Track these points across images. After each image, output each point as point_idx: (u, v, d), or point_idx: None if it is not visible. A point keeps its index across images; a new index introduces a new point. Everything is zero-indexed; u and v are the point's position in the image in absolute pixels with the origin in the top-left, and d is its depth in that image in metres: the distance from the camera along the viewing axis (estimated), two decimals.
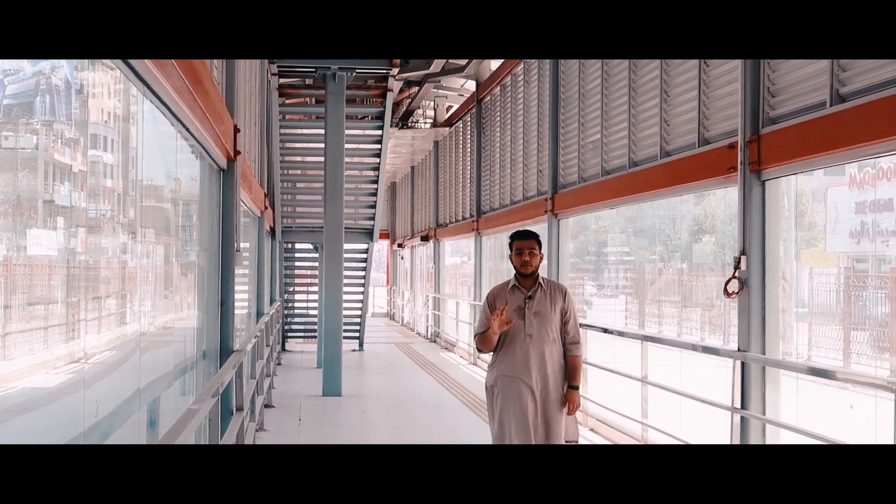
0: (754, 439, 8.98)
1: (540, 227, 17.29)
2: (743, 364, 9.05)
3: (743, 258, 9.01)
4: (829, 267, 19.42)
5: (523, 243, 7.77)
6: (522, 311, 7.70)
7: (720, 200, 14.77)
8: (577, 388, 7.75)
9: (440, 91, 27.97)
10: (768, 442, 8.97)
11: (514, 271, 7.89)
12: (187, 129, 7.50)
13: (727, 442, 9.17)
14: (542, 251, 7.86)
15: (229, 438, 7.29)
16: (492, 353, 7.89)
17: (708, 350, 10.21)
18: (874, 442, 7.61)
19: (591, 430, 12.89)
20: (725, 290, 9.21)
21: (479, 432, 13.03)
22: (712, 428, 10.17)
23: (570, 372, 7.76)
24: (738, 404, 9.01)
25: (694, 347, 10.54)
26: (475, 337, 7.88)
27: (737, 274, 9.09)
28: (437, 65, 23.35)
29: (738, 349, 9.17)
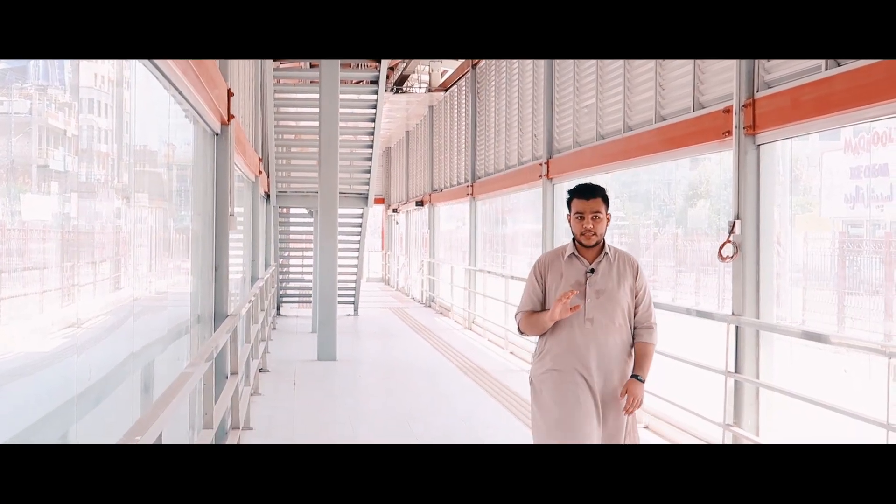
0: (748, 403, 9.02)
1: (534, 192, 17.32)
2: (737, 328, 9.08)
3: (737, 222, 9.02)
4: (823, 232, 19.45)
5: (585, 204, 6.01)
6: (582, 287, 6.02)
7: (715, 165, 14.78)
8: (641, 379, 6.09)
9: None
10: (761, 405, 9.01)
11: (571, 234, 6.22)
12: (181, 93, 7.49)
13: (721, 404, 9.20)
14: (609, 211, 6.14)
15: (224, 402, 7.31)
16: (538, 339, 6.30)
17: (702, 314, 10.23)
18: (867, 405, 7.63)
19: None
20: (720, 254, 9.22)
21: (472, 397, 13.07)
22: (706, 392, 10.20)
23: (637, 360, 6.12)
24: (731, 368, 9.04)
25: (688, 312, 10.55)
26: (517, 316, 6.30)
27: (731, 238, 9.10)
28: None
29: (733, 313, 9.19)
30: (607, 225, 6.11)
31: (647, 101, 11.76)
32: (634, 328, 6.14)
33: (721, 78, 9.82)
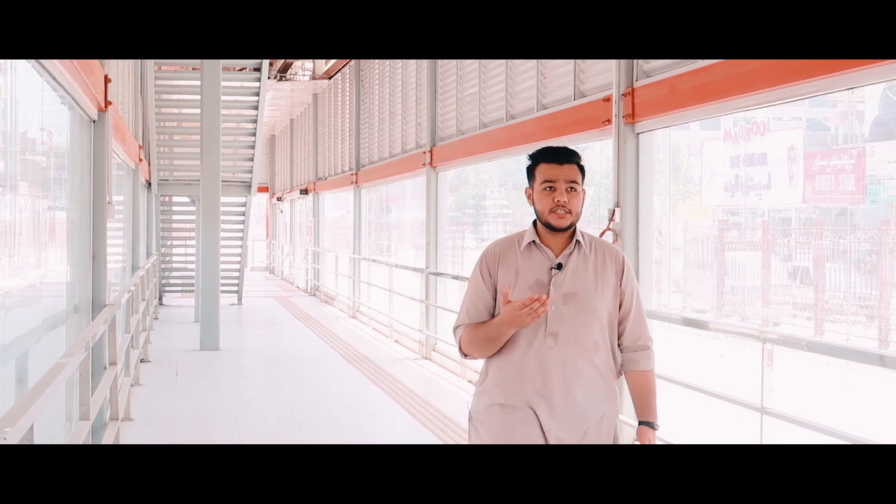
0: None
1: (418, 181, 17.33)
2: None
3: (617, 210, 9.11)
4: (703, 219, 19.83)
5: (558, 171, 4.31)
6: (545, 289, 4.26)
7: (599, 154, 14.95)
8: (652, 424, 4.46)
9: None
10: None
11: (533, 217, 4.44)
12: (55, 79, 7.35)
13: None
14: (584, 184, 4.41)
15: (102, 392, 7.20)
16: (483, 361, 4.46)
17: None
18: (742, 389, 7.77)
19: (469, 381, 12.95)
20: None
21: (356, 385, 13.05)
22: None
23: (639, 399, 4.47)
24: None
25: None
26: (455, 330, 4.49)
27: (611, 226, 9.19)
28: None
29: None
30: (583, 204, 4.39)
31: (530, 89, 11.82)
32: (622, 350, 4.44)
33: (601, 67, 9.89)
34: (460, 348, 4.44)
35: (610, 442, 4.40)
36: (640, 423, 4.42)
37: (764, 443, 6.72)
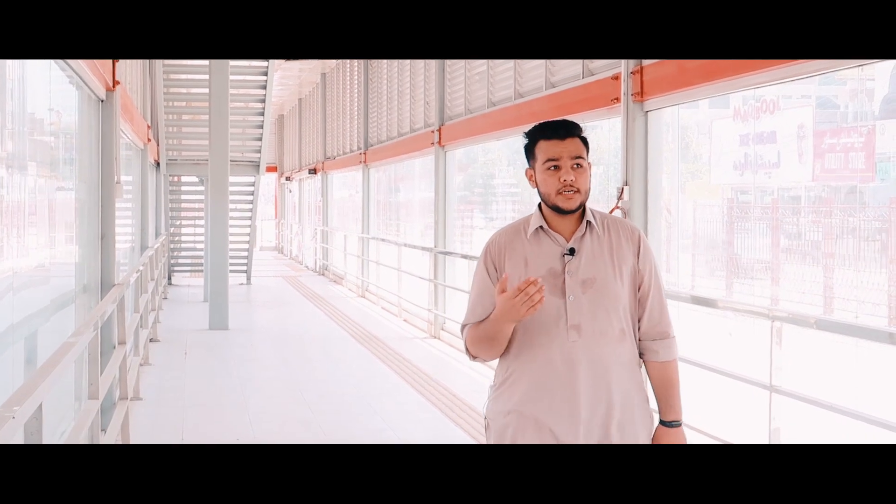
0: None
1: (427, 160, 17.29)
2: None
3: (626, 188, 9.09)
4: (713, 198, 19.79)
5: (560, 147, 3.82)
6: (560, 278, 3.79)
7: (608, 132, 14.92)
8: (677, 424, 3.90)
9: None
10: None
11: (538, 201, 3.96)
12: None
13: None
14: (589, 157, 3.90)
15: (111, 372, 7.20)
16: (498, 361, 3.95)
17: None
18: (751, 367, 7.77)
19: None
20: None
21: (365, 364, 13.07)
22: None
23: (660, 394, 3.91)
24: None
25: None
26: (462, 330, 3.99)
27: (619, 204, 9.17)
28: None
29: None
30: (590, 181, 3.90)
31: (538, 67, 11.79)
32: (640, 338, 3.90)
33: None
34: (467, 350, 3.96)
35: (641, 433, 3.86)
36: (662, 422, 3.90)
37: (774, 422, 6.72)
